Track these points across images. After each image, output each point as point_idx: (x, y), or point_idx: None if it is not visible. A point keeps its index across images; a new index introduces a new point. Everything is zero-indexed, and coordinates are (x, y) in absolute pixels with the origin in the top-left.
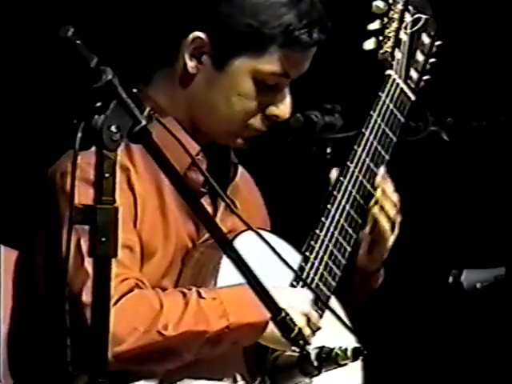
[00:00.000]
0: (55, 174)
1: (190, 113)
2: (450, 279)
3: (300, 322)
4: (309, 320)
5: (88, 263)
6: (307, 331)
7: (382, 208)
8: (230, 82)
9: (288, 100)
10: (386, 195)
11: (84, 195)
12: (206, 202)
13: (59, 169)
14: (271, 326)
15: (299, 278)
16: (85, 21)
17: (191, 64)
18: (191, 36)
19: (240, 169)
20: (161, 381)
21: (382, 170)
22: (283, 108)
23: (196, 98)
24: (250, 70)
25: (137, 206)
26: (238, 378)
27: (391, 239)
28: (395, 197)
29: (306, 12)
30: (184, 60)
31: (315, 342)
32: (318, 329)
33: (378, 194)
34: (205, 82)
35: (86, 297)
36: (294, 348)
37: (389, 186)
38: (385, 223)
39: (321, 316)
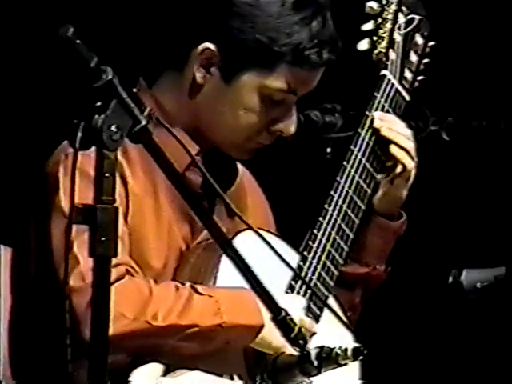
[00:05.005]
0: (48, 164)
1: (194, 120)
2: (450, 279)
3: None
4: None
5: (77, 249)
6: None
7: (400, 147)
8: (237, 95)
9: (294, 116)
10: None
11: (83, 192)
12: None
13: (52, 159)
14: (265, 331)
15: (298, 278)
16: (85, 21)
17: (200, 74)
18: (201, 46)
19: (242, 169)
20: (167, 366)
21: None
22: (288, 124)
23: (202, 108)
24: (257, 85)
25: (128, 200)
26: (235, 377)
27: (411, 178)
28: (400, 129)
29: (317, 32)
30: (193, 69)
31: (315, 342)
32: (313, 334)
33: (386, 132)
34: (212, 93)
35: (74, 282)
36: (294, 348)
37: (400, 127)
38: (407, 159)
39: (319, 316)
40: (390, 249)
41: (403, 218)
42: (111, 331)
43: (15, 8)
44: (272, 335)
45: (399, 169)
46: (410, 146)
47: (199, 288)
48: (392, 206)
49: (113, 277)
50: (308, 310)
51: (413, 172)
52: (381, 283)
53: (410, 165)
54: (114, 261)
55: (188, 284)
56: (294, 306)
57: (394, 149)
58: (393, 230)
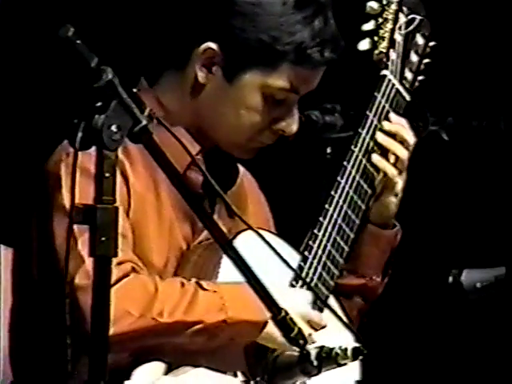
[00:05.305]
0: (50, 163)
1: (196, 119)
2: (450, 279)
3: (299, 323)
4: (309, 321)
5: (81, 247)
6: (308, 331)
7: (384, 154)
8: (239, 94)
9: (296, 115)
10: (395, 138)
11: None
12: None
13: (53, 158)
14: (270, 326)
15: (299, 278)
16: (85, 21)
17: (202, 74)
18: (203, 46)
19: (243, 170)
20: (169, 365)
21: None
22: (290, 123)
23: (204, 108)
24: (259, 84)
25: (130, 197)
26: (239, 374)
27: (400, 183)
28: (405, 135)
29: (319, 30)
30: (195, 69)
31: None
32: (323, 327)
33: (380, 139)
34: (214, 92)
35: (80, 280)
36: (293, 347)
37: (398, 129)
38: (388, 168)
39: None
40: (385, 259)
41: (396, 227)
42: (117, 329)
43: (15, 8)
44: (277, 331)
45: (382, 176)
46: (403, 154)
47: (204, 284)
48: (382, 215)
49: (119, 274)
50: None
51: (398, 180)
52: (378, 295)
53: (392, 174)
54: (119, 258)
55: (194, 280)
56: (299, 299)
57: (375, 157)
58: (386, 239)
